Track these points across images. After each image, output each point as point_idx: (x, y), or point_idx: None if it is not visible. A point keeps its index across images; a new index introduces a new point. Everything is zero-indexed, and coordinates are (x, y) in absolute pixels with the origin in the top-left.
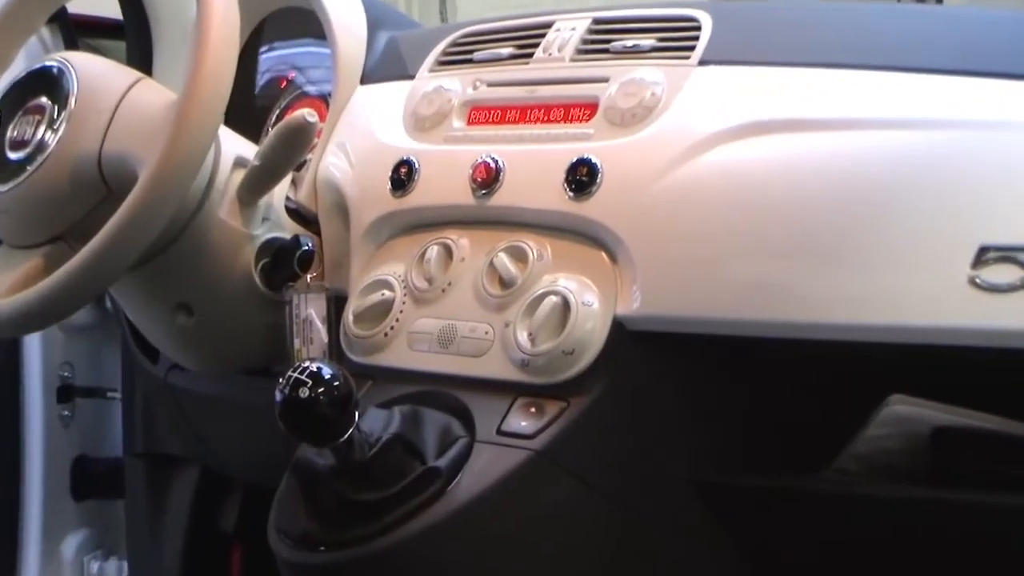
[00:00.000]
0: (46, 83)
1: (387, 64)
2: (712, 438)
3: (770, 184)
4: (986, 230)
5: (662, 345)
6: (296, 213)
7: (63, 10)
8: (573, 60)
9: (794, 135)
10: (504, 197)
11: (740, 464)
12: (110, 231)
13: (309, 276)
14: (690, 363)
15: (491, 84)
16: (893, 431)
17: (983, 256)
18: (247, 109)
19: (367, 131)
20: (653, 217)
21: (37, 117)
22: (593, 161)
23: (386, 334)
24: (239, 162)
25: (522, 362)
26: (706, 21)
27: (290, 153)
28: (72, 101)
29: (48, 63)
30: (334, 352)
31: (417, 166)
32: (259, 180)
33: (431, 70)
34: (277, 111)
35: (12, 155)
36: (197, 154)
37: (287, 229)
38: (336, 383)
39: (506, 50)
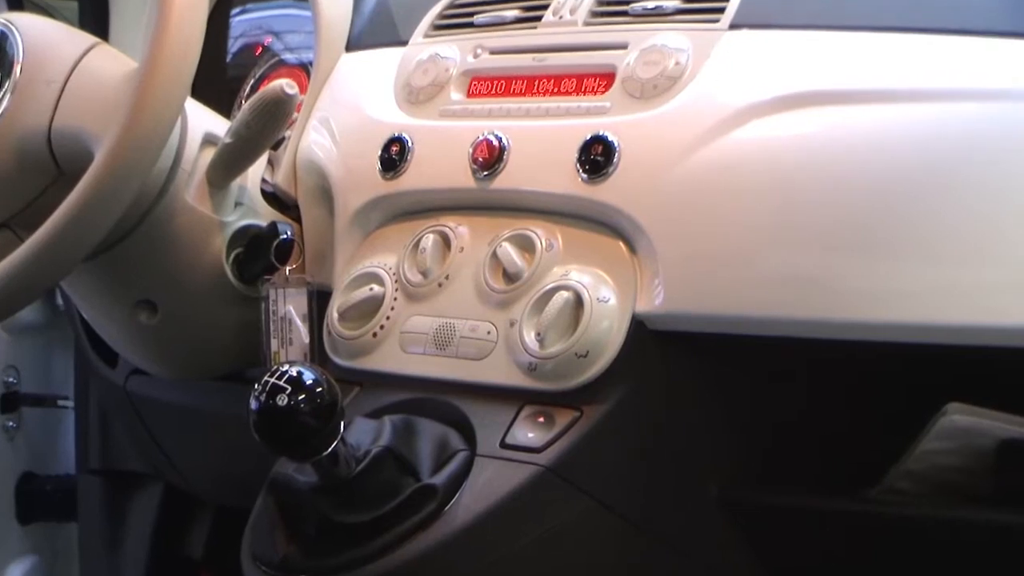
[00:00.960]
0: None
1: (376, 28)
2: (744, 452)
3: (811, 164)
4: None
5: (688, 347)
6: (273, 197)
7: None
8: (587, 24)
9: (838, 108)
10: (508, 179)
11: (776, 482)
12: (61, 217)
13: (288, 268)
14: (719, 367)
15: (494, 51)
16: (951, 444)
17: None
18: (217, 80)
19: (353, 104)
20: (677, 202)
21: None
22: (609, 138)
23: (375, 334)
24: (209, 139)
25: (529, 366)
26: None
27: (266, 129)
28: (17, 70)
29: None
30: (316, 355)
31: (410, 144)
32: (231, 160)
33: (426, 35)
34: (251, 82)
35: None
36: (161, 130)
37: (263, 215)
38: (319, 389)
39: (511, 12)
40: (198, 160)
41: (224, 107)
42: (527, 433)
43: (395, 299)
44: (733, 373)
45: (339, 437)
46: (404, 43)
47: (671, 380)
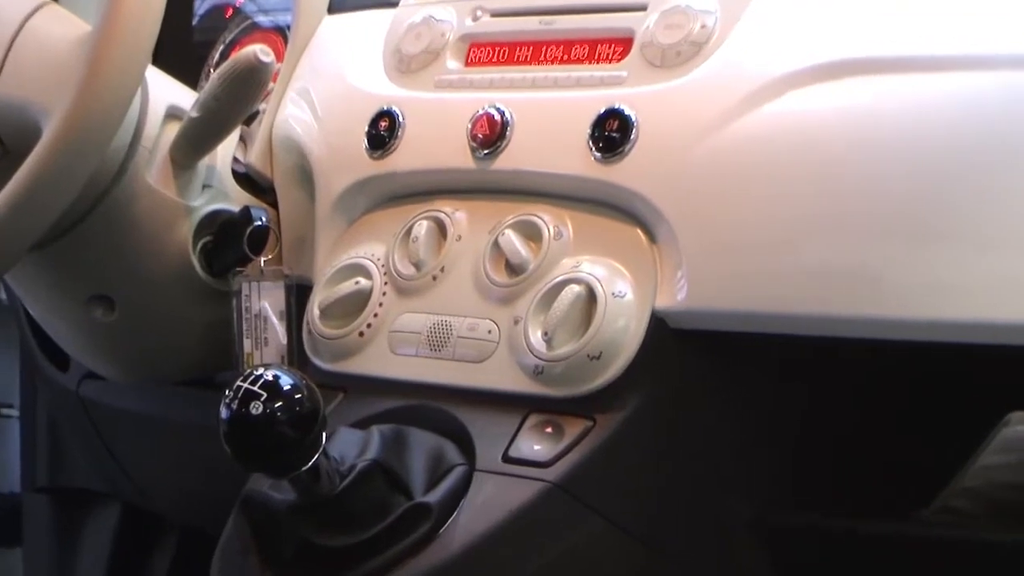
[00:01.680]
0: None
1: None
2: (777, 468)
3: (856, 141)
4: None
5: (715, 348)
6: (246, 179)
7: None
8: None
9: (886, 77)
10: (512, 158)
11: (813, 502)
12: (5, 202)
13: (263, 259)
14: (751, 371)
15: (496, 13)
16: (1014, 459)
17: None
18: (183, 45)
19: (337, 73)
20: (703, 184)
21: None
22: (626, 112)
23: (362, 333)
24: (173, 113)
25: (535, 369)
26: None
27: (238, 102)
28: None
29: None
30: (295, 357)
31: (401, 119)
32: (198, 136)
33: None
34: (221, 48)
35: None
36: (118, 103)
37: (234, 199)
38: (298, 396)
39: None
40: (161, 137)
41: (190, 77)
42: (533, 445)
43: (384, 294)
44: (764, 378)
45: (321, 450)
46: (394, 4)
47: (695, 385)
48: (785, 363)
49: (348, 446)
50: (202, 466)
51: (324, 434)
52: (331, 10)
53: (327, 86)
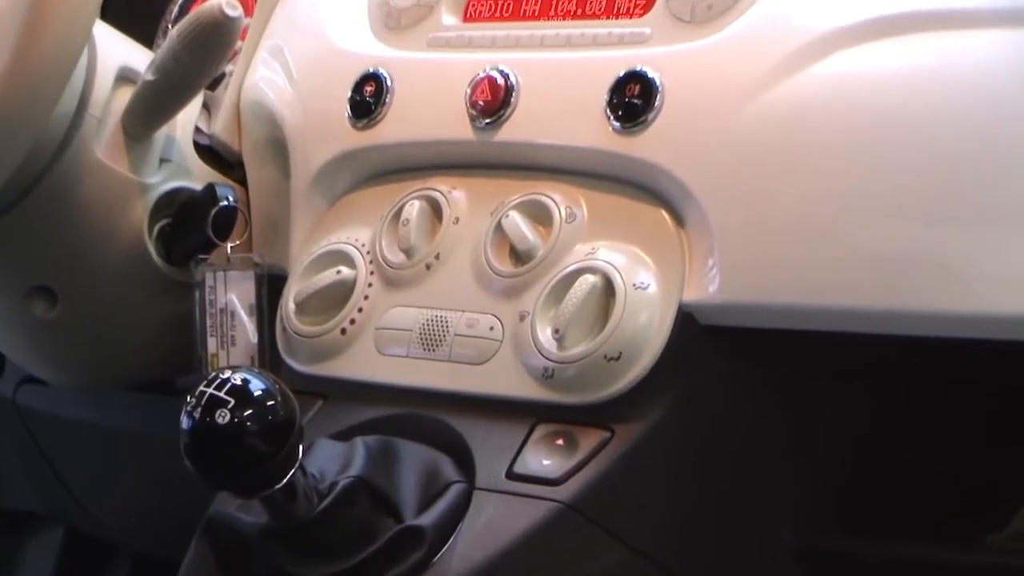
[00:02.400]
0: None
1: None
2: (825, 487)
3: (913, 108)
4: None
5: (752, 348)
6: (210, 152)
7: None
8: None
9: (949, 34)
10: (517, 129)
11: (868, 526)
12: None
13: (230, 246)
14: (793, 376)
15: None
16: None
17: None
18: None
19: (315, 30)
20: (738, 158)
21: None
22: (649, 75)
23: (344, 331)
24: (125, 76)
25: (544, 372)
26: None
27: (201, 62)
28: None
29: None
30: (267, 358)
31: (389, 83)
32: (155, 103)
33: None
34: (181, 1)
35: None
36: (61, 64)
37: (197, 175)
38: (271, 403)
39: None
40: (111, 103)
41: (145, 34)
42: (541, 460)
43: (369, 285)
44: (810, 384)
45: (297, 465)
46: None
47: (729, 391)
48: (834, 367)
49: (328, 461)
50: (159, 484)
51: (300, 447)
52: None
53: (304, 45)
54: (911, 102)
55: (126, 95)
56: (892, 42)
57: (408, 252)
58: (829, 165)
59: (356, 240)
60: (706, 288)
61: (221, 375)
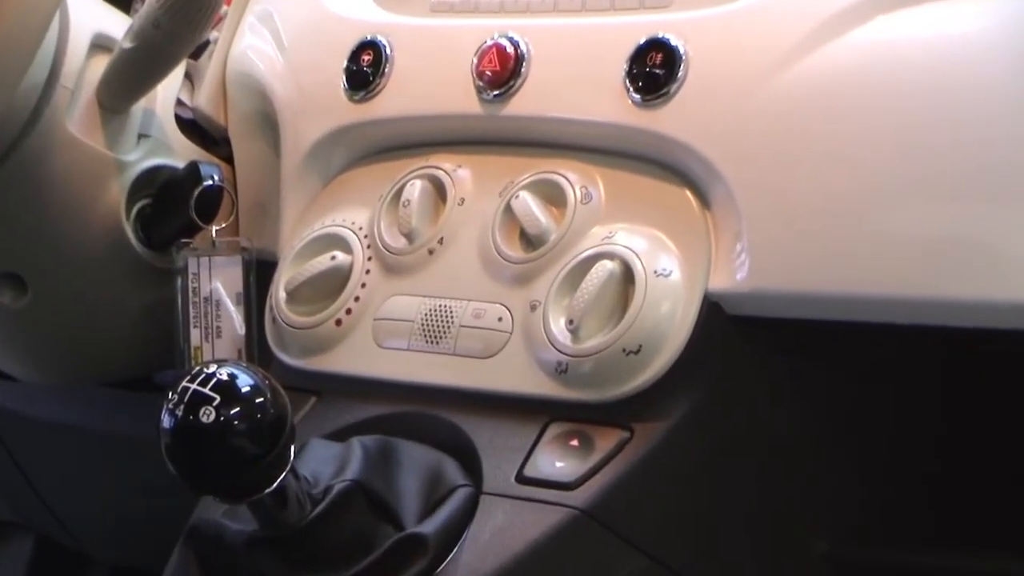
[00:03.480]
0: None
1: None
2: (862, 492)
3: (968, 79)
4: None
5: (783, 340)
6: (194, 127)
7: None
8: None
9: None
10: (528, 101)
11: (908, 534)
12: None
13: (215, 229)
14: (829, 371)
15: None
16: None
17: None
18: None
19: None
20: (769, 133)
21: None
22: (672, 43)
23: (339, 322)
24: (100, 43)
25: (557, 367)
26: None
27: (183, 29)
28: None
29: None
30: (255, 351)
31: (389, 51)
32: (133, 73)
33: None
34: None
35: None
36: (29, 30)
37: (178, 152)
38: (260, 400)
39: None
40: (85, 73)
41: None
42: (554, 462)
43: (367, 272)
44: (847, 379)
45: (288, 468)
46: None
47: (758, 387)
48: (874, 360)
49: (322, 463)
50: (137, 489)
51: (292, 448)
52: None
53: (295, 10)
54: (961, 73)
55: (101, 64)
56: (940, 6)
57: (409, 236)
58: (869, 140)
59: (353, 223)
60: (734, 275)
61: (205, 370)
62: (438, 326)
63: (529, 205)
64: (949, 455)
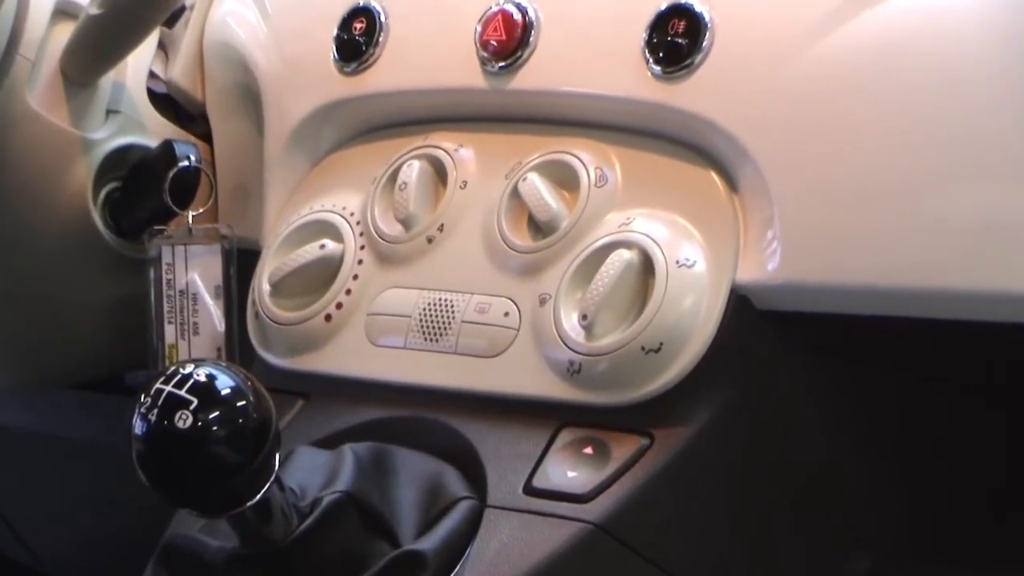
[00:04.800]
0: None
1: None
2: (909, 506)
3: (1013, 46)
4: None
5: (817, 336)
6: (168, 102)
7: None
8: None
9: None
10: (537, 74)
11: (961, 553)
12: None
13: (191, 214)
14: (871, 372)
15: None
16: None
17: None
18: None
19: None
20: (804, 107)
21: None
22: (696, 9)
23: (329, 317)
24: (64, 10)
25: (570, 366)
26: None
27: None
28: None
29: None
30: (236, 350)
31: (383, 19)
32: (100, 42)
33: None
34: None
35: None
36: None
37: (151, 130)
38: (241, 404)
39: None
40: (48, 42)
41: None
42: (566, 472)
43: (360, 262)
44: (891, 381)
45: (272, 478)
46: None
47: (791, 389)
48: (923, 361)
49: (310, 473)
50: (106, 502)
51: (277, 456)
52: None
53: None
54: (1011, 36)
55: (66, 32)
56: None
57: (406, 222)
58: (914, 117)
59: (343, 208)
60: (764, 265)
61: (182, 370)
62: (438, 322)
63: (538, 188)
64: (1010, 466)
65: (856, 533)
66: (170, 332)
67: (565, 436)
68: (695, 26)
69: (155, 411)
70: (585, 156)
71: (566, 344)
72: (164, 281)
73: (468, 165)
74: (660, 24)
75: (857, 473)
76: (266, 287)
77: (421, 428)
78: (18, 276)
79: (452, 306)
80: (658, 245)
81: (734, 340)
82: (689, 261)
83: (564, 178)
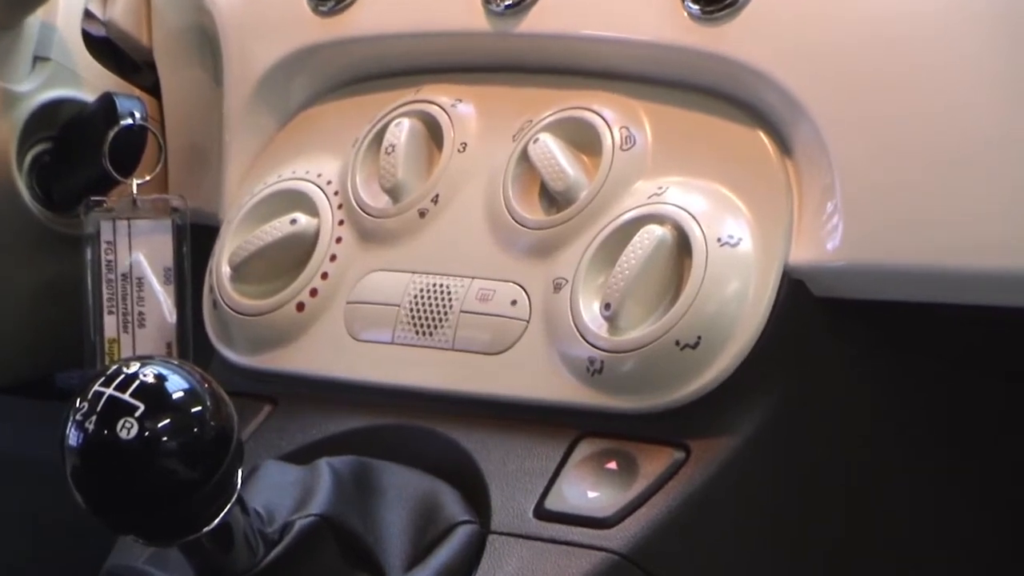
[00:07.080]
0: None
1: None
2: (997, 524)
3: None
4: None
5: (887, 330)
6: (107, 47)
7: None
8: None
9: None
10: (551, 15)
11: None
12: None
13: (136, 183)
14: (951, 370)
15: None
16: None
17: None
18: None
19: None
20: (868, 57)
21: None
22: None
23: (302, 306)
24: None
25: (590, 365)
26: None
27: None
28: None
29: None
30: (190, 345)
31: None
32: None
33: None
34: None
35: None
36: None
37: (87, 82)
38: (196, 409)
39: None
40: None
41: None
42: (586, 491)
43: (338, 240)
44: (968, 382)
45: (234, 498)
46: None
47: (854, 391)
48: (1010, 359)
49: (280, 493)
50: (32, 526)
51: (239, 473)
52: None
53: None
54: None
55: None
56: None
57: (393, 192)
58: (1004, 69)
59: (319, 175)
60: (823, 244)
61: (125, 370)
62: (432, 312)
63: (552, 152)
64: None
65: (931, 559)
66: (110, 324)
67: (584, 448)
68: None
69: (93, 418)
70: (608, 113)
71: (585, 338)
72: (103, 263)
73: (468, 124)
74: None
75: (929, 487)
76: (226, 270)
77: (412, 439)
78: None
79: (449, 293)
80: (696, 220)
81: (786, 333)
82: (733, 239)
83: (583, 140)
